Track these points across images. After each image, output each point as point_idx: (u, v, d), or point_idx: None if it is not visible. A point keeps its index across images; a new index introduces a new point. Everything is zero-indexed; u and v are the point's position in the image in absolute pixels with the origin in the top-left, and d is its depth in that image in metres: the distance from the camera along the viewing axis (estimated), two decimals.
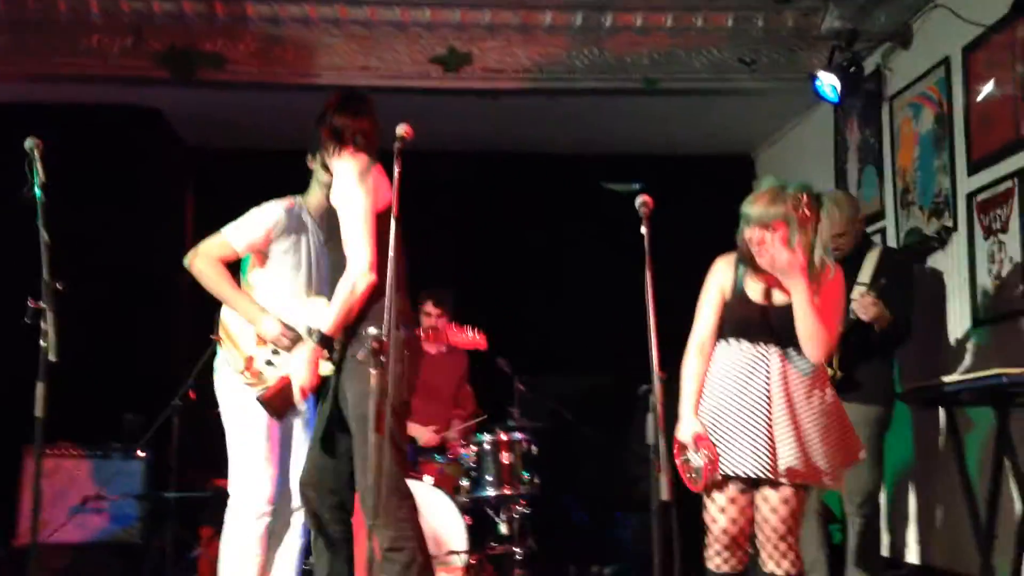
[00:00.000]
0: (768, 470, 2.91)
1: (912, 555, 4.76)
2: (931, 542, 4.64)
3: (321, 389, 3.19)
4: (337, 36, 5.20)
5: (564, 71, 5.28)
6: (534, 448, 4.62)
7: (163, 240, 5.78)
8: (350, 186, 3.04)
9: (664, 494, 2.68)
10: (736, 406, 2.99)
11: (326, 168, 3.24)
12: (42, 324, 2.91)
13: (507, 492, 4.51)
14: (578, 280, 6.39)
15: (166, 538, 4.81)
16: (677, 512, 2.74)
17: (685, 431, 3.04)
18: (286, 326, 3.39)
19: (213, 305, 3.55)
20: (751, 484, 3.02)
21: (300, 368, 3.05)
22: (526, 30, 5.19)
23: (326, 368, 3.12)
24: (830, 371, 3.57)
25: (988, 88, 4.29)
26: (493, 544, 4.61)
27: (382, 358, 2.74)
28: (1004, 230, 4.16)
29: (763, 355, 3.01)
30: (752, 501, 3.04)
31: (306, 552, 3.55)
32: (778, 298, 3.03)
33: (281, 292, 3.50)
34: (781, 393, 2.97)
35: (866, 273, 3.99)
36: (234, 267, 3.57)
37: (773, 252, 2.93)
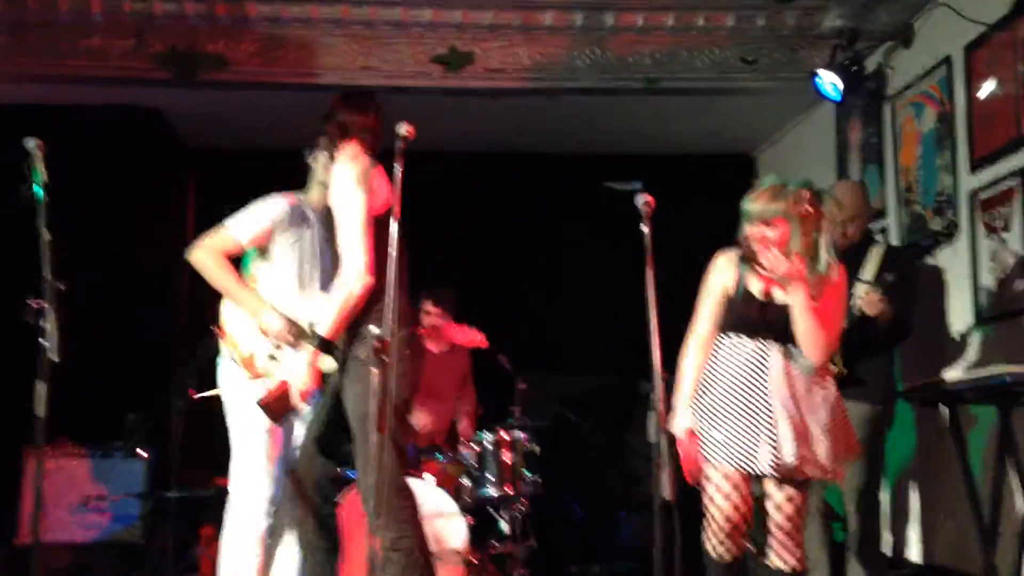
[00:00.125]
0: (772, 466, 2.92)
1: (914, 553, 4.75)
2: (934, 540, 4.64)
3: (323, 384, 3.19)
4: (338, 36, 5.19)
5: (565, 71, 5.28)
6: (536, 447, 4.62)
7: (164, 240, 5.78)
8: (348, 189, 3.04)
9: (666, 493, 2.68)
10: (737, 402, 2.99)
11: (331, 165, 3.24)
12: (43, 323, 2.91)
13: (509, 491, 4.51)
14: (579, 279, 6.39)
15: (167, 537, 4.81)
16: (679, 511, 2.74)
17: (679, 425, 3.06)
18: (289, 320, 3.39)
19: (214, 304, 3.55)
20: (753, 477, 3.02)
21: (299, 372, 3.05)
22: (527, 30, 5.18)
23: (330, 364, 3.12)
24: (835, 368, 3.57)
25: (990, 86, 4.29)
26: (495, 543, 4.60)
27: (384, 357, 2.74)
28: (1007, 228, 4.16)
29: (763, 351, 3.01)
30: (751, 491, 3.05)
31: None
32: (779, 296, 3.03)
33: (284, 286, 3.51)
34: (784, 389, 2.97)
35: (868, 271, 3.99)
36: (235, 263, 3.57)
37: (773, 262, 2.92)
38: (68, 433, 4.84)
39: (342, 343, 3.10)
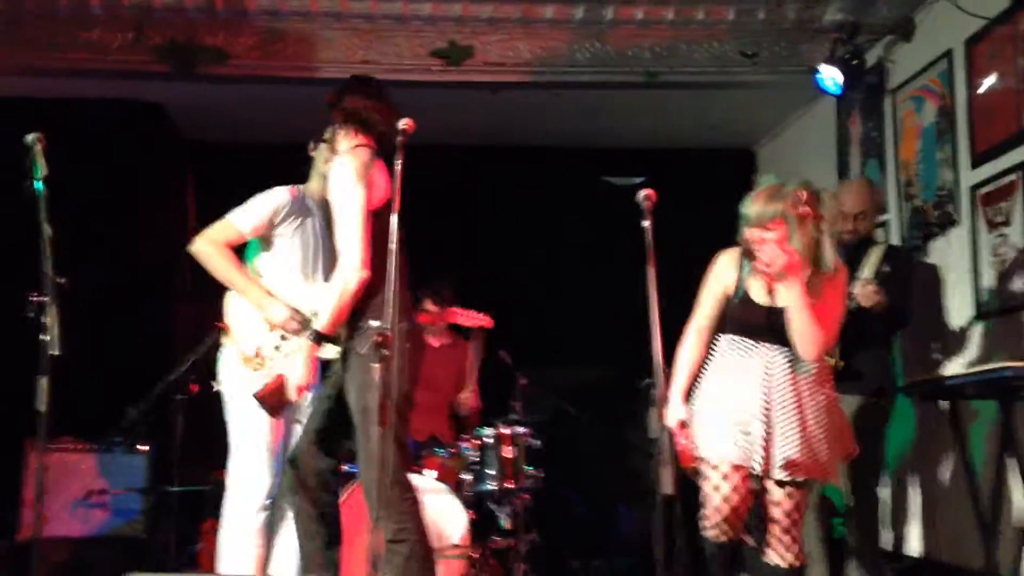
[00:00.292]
0: (762, 464, 2.93)
1: (914, 548, 4.76)
2: (933, 535, 4.64)
3: (325, 373, 3.19)
4: (338, 30, 5.18)
5: (565, 64, 5.27)
6: (536, 442, 4.62)
7: (164, 234, 5.77)
8: (346, 183, 3.04)
9: (667, 487, 2.68)
10: (734, 404, 3.01)
11: (331, 156, 3.22)
12: (44, 318, 2.90)
13: (509, 486, 4.51)
14: (580, 274, 6.39)
15: (169, 532, 4.81)
16: (680, 505, 2.74)
17: (672, 416, 3.07)
18: (294, 310, 3.39)
19: (216, 297, 3.55)
20: (753, 473, 3.03)
21: (296, 367, 3.05)
22: (527, 23, 5.17)
23: (331, 352, 3.12)
24: (831, 360, 3.58)
25: (991, 81, 4.28)
26: (495, 538, 4.60)
27: (385, 351, 2.74)
28: (1007, 223, 4.15)
29: (766, 355, 3.03)
30: (748, 483, 3.06)
31: None
32: (783, 299, 3.03)
33: (288, 276, 3.51)
34: (789, 393, 2.98)
35: (867, 270, 4.01)
36: (238, 257, 3.57)
37: (769, 257, 2.92)
38: (69, 428, 4.84)
39: (343, 337, 3.09)
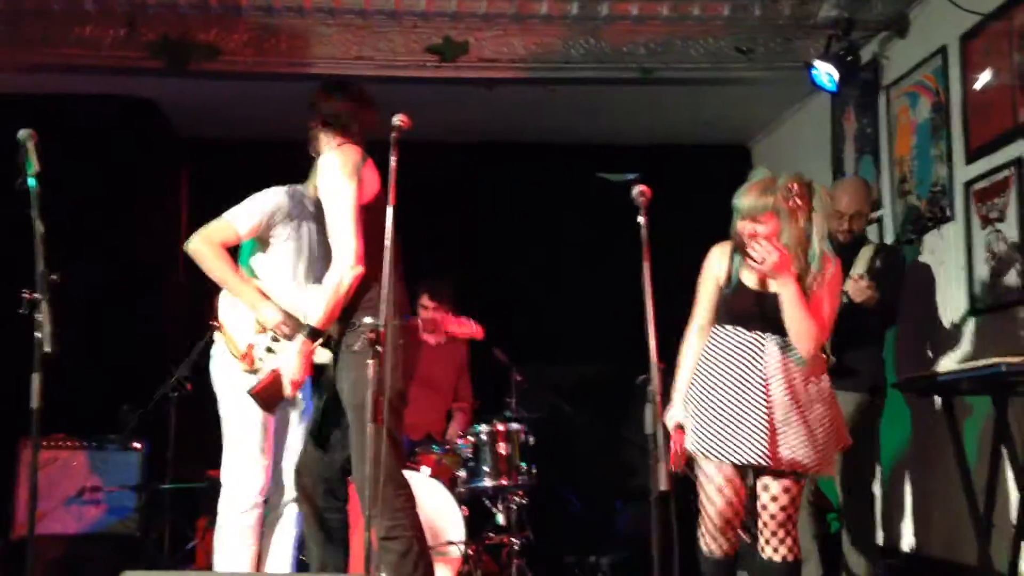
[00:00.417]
0: (766, 457, 2.92)
1: (907, 544, 4.77)
2: (927, 531, 4.65)
3: (319, 378, 3.18)
4: (332, 26, 5.16)
5: (560, 60, 5.26)
6: (531, 438, 4.62)
7: (158, 231, 5.77)
8: (335, 180, 3.03)
9: (663, 484, 2.68)
10: (732, 393, 3.00)
11: (320, 153, 3.22)
12: (37, 315, 2.89)
13: (504, 483, 4.51)
14: (575, 270, 6.39)
15: (163, 529, 4.81)
16: (675, 501, 2.74)
17: (670, 417, 3.11)
18: (287, 313, 3.38)
19: (209, 295, 3.54)
20: (747, 469, 3.03)
21: (290, 362, 3.04)
22: (522, 19, 5.16)
23: (323, 356, 3.12)
24: (823, 356, 3.58)
25: (985, 77, 4.28)
26: (490, 535, 4.61)
27: (378, 348, 2.74)
28: (1002, 219, 4.16)
29: (759, 343, 3.02)
30: (746, 485, 3.06)
31: (301, 542, 3.55)
32: (774, 286, 3.03)
33: (282, 278, 3.50)
34: (782, 381, 2.98)
35: (859, 268, 4.02)
36: (233, 257, 3.56)
37: (760, 253, 2.93)
38: (63, 425, 4.83)
39: (336, 333, 3.09)
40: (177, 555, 4.79)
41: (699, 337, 3.17)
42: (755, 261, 2.95)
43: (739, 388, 3.00)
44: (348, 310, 3.03)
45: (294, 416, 3.59)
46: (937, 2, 4.58)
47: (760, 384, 2.98)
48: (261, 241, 3.53)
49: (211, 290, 3.52)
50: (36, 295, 2.89)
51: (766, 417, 2.94)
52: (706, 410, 3.03)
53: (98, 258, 5.37)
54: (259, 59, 5.16)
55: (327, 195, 3.05)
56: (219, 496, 3.52)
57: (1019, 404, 3.78)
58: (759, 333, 3.03)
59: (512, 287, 6.27)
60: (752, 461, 2.94)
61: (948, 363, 4.37)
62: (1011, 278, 4.09)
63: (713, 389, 3.04)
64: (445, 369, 5.21)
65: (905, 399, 4.69)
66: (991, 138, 4.22)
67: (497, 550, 4.65)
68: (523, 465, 4.56)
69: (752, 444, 2.93)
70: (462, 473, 4.54)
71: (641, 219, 2.89)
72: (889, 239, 4.98)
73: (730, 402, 2.99)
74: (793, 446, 2.94)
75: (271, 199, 3.51)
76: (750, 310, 3.04)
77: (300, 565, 3.66)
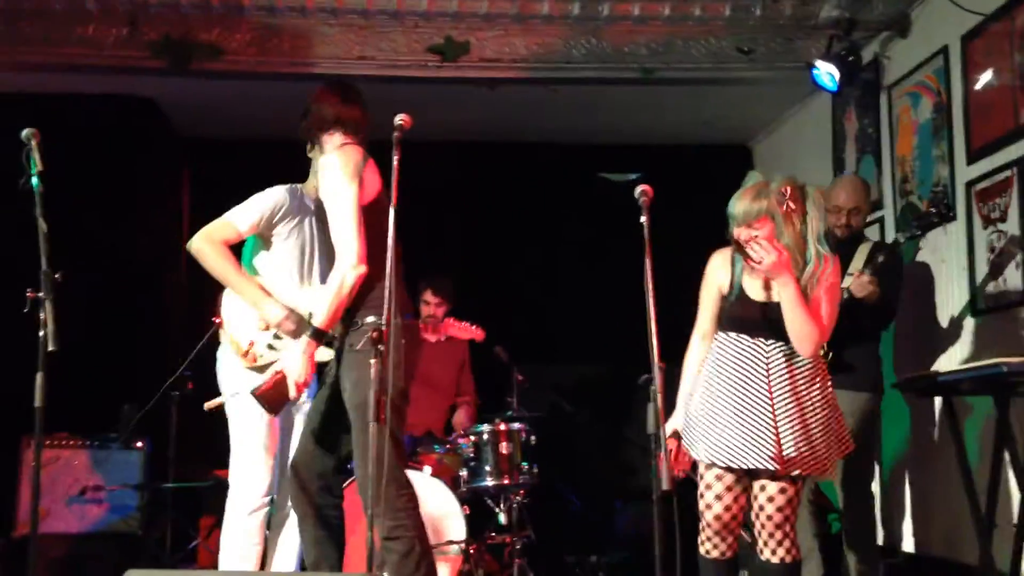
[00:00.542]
0: (773, 460, 2.93)
1: (908, 544, 4.77)
2: (928, 531, 4.65)
3: (321, 376, 3.19)
4: (334, 26, 5.17)
5: (562, 60, 5.26)
6: (533, 438, 4.62)
7: (159, 230, 5.77)
8: (336, 181, 3.04)
9: (664, 483, 2.68)
10: (736, 399, 3.01)
11: (322, 153, 3.23)
12: (40, 314, 2.90)
13: (506, 482, 4.51)
14: (576, 269, 6.39)
15: (165, 528, 4.82)
16: (677, 501, 2.74)
17: (671, 423, 3.14)
18: (289, 310, 3.39)
19: (211, 294, 3.55)
20: (746, 473, 3.03)
21: (295, 363, 3.05)
22: (523, 19, 5.16)
23: (325, 354, 3.12)
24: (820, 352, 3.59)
25: (987, 77, 4.28)
26: (492, 534, 4.61)
27: (381, 347, 2.74)
28: (1003, 219, 4.16)
29: (763, 350, 3.03)
30: (746, 489, 3.07)
31: None
32: (776, 295, 3.04)
33: (284, 275, 3.50)
34: (787, 387, 2.99)
35: (857, 265, 4.02)
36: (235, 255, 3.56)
37: (759, 253, 2.94)
38: (66, 424, 4.84)
39: (338, 333, 3.09)
40: (179, 554, 4.80)
41: (701, 344, 3.19)
42: (755, 262, 2.96)
43: (744, 395, 3.01)
44: (351, 309, 3.04)
45: (299, 417, 3.60)
46: (938, 2, 4.58)
47: (764, 390, 2.99)
48: (263, 239, 3.54)
49: (213, 289, 3.53)
50: (39, 294, 2.90)
51: (771, 422, 2.95)
52: (713, 418, 3.03)
53: (100, 257, 5.38)
54: (261, 59, 5.16)
55: (329, 196, 3.06)
56: (223, 495, 3.53)
57: (1020, 404, 3.78)
58: (763, 340, 3.04)
59: (513, 286, 6.27)
60: (760, 466, 2.95)
61: (949, 363, 4.37)
62: (1012, 278, 4.09)
63: (719, 398, 3.04)
64: (445, 367, 5.22)
65: (906, 399, 4.70)
66: (992, 138, 4.22)
67: (498, 549, 4.65)
68: (524, 464, 4.57)
69: (760, 449, 2.94)
70: (463, 472, 4.55)
71: (643, 219, 2.89)
72: (890, 239, 4.98)
73: (736, 410, 3.00)
74: (797, 449, 2.95)
75: (272, 197, 3.52)
76: (753, 318, 3.05)
77: (304, 565, 3.67)
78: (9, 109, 4.71)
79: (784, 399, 2.97)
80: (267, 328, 3.44)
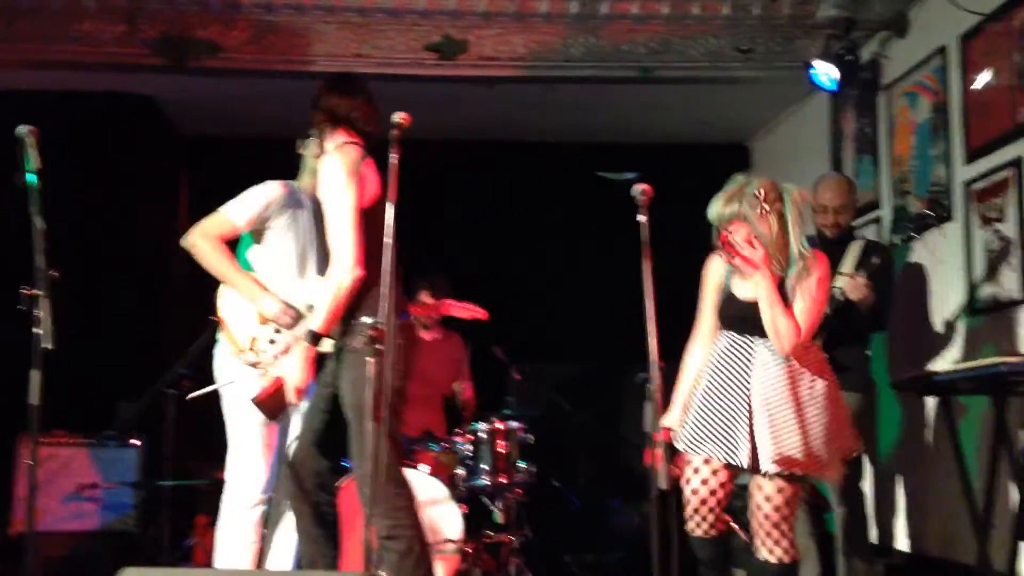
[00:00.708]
0: (736, 457, 2.98)
1: (905, 544, 4.77)
2: (923, 530, 4.66)
3: (318, 372, 3.18)
4: (331, 23, 5.16)
5: (560, 59, 5.26)
6: (530, 437, 4.62)
7: (156, 228, 5.76)
8: (337, 182, 3.03)
9: (662, 482, 2.68)
10: (716, 395, 3.07)
11: (320, 152, 3.22)
12: (36, 311, 2.89)
13: (503, 481, 4.51)
14: (574, 268, 6.39)
15: (161, 526, 4.80)
16: (675, 500, 2.75)
17: (666, 421, 3.17)
18: (287, 304, 3.38)
19: (208, 291, 3.54)
20: (728, 466, 3.06)
21: (294, 369, 3.04)
22: (522, 18, 5.15)
23: (326, 344, 3.11)
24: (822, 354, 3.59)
25: (985, 77, 4.28)
26: (489, 533, 4.60)
27: (378, 347, 2.74)
28: (1001, 219, 4.16)
29: (750, 347, 3.06)
30: (732, 478, 3.12)
31: None
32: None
33: (281, 269, 3.50)
34: (780, 384, 2.99)
35: (848, 264, 4.03)
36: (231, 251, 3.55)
37: (732, 254, 2.97)
38: (62, 422, 4.83)
39: (336, 333, 3.09)
40: (176, 552, 4.78)
41: (700, 345, 3.23)
42: (730, 261, 3.00)
43: (724, 390, 3.06)
44: (348, 310, 3.03)
45: (296, 415, 3.59)
46: (937, 2, 4.58)
47: (744, 387, 3.03)
48: (258, 234, 3.53)
49: (210, 285, 3.52)
50: (35, 291, 2.89)
51: (745, 419, 2.99)
52: (698, 413, 3.10)
53: (97, 254, 5.37)
54: (259, 56, 5.16)
55: (327, 197, 3.06)
56: (220, 493, 3.52)
57: (1018, 404, 3.78)
58: (749, 337, 3.07)
59: (511, 285, 6.26)
60: (733, 461, 2.99)
61: (946, 363, 4.37)
62: (1010, 278, 4.09)
63: (704, 391, 3.11)
64: (440, 365, 5.21)
65: (903, 398, 4.70)
66: (991, 138, 4.22)
67: (495, 548, 4.64)
68: (521, 463, 4.56)
69: (725, 444, 2.99)
70: (461, 471, 4.54)
71: (642, 218, 2.90)
72: (888, 239, 4.98)
73: (713, 403, 3.06)
74: (787, 449, 2.95)
75: (267, 191, 3.52)
76: (742, 316, 3.08)
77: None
78: (6, 106, 4.70)
79: (776, 398, 2.98)
80: (266, 322, 3.43)
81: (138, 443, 4.98)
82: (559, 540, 5.31)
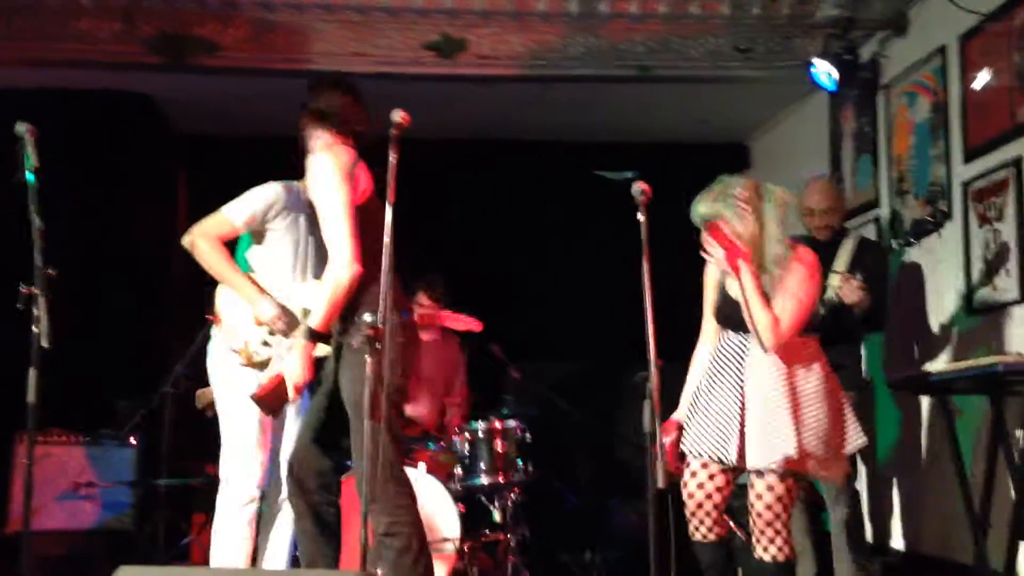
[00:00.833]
0: (725, 454, 3.00)
1: (902, 543, 4.77)
2: (919, 529, 4.66)
3: (318, 372, 3.18)
4: (330, 22, 5.15)
5: (559, 58, 5.26)
6: (528, 435, 4.62)
7: (154, 226, 5.74)
8: (327, 182, 3.02)
9: (660, 481, 2.68)
10: (711, 393, 3.10)
11: (310, 152, 3.21)
12: (34, 310, 2.88)
13: (501, 480, 4.50)
14: (572, 267, 6.38)
15: (158, 525, 4.80)
16: (672, 499, 2.75)
17: (674, 417, 3.21)
18: (283, 308, 3.37)
19: (205, 291, 3.53)
20: (730, 467, 3.07)
21: (293, 366, 3.03)
22: (520, 17, 5.15)
23: (323, 349, 3.11)
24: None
25: (984, 76, 4.28)
26: (486, 531, 4.60)
27: (378, 345, 2.73)
28: (999, 219, 4.16)
29: (743, 345, 3.07)
30: (731, 480, 3.13)
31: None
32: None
33: (280, 270, 3.49)
34: (764, 381, 3.00)
35: (841, 261, 4.05)
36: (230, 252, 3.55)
37: (711, 251, 3.00)
38: (59, 420, 4.82)
39: (335, 331, 3.08)
40: (172, 551, 4.78)
41: (702, 343, 3.28)
42: (710, 256, 3.04)
43: (718, 388, 3.08)
44: (348, 308, 3.03)
45: (291, 411, 3.59)
46: (936, 2, 4.58)
47: (737, 384, 3.05)
48: (257, 235, 3.53)
49: (208, 285, 3.51)
50: (33, 290, 2.88)
51: (737, 417, 3.00)
52: (694, 410, 3.14)
53: (94, 252, 5.36)
54: (256, 54, 5.15)
55: (320, 198, 3.04)
56: (215, 492, 3.51)
57: (1015, 403, 3.78)
58: (743, 335, 3.08)
59: (509, 284, 6.26)
60: (724, 458, 3.01)
61: (944, 362, 4.38)
62: (1008, 278, 4.09)
63: (702, 390, 3.14)
64: (438, 365, 5.20)
65: (900, 398, 4.70)
66: (990, 138, 4.23)
67: (493, 547, 4.64)
68: (519, 462, 4.56)
69: (717, 440, 3.01)
70: (458, 470, 4.54)
71: (641, 217, 2.89)
72: (887, 239, 4.99)
73: (708, 401, 3.09)
74: (775, 444, 2.94)
75: (267, 192, 3.51)
76: (735, 314, 3.09)
77: (296, 561, 3.66)
78: (3, 104, 4.69)
79: (762, 393, 2.99)
80: (260, 325, 3.43)
81: (135, 442, 4.97)
82: (557, 539, 5.31)
